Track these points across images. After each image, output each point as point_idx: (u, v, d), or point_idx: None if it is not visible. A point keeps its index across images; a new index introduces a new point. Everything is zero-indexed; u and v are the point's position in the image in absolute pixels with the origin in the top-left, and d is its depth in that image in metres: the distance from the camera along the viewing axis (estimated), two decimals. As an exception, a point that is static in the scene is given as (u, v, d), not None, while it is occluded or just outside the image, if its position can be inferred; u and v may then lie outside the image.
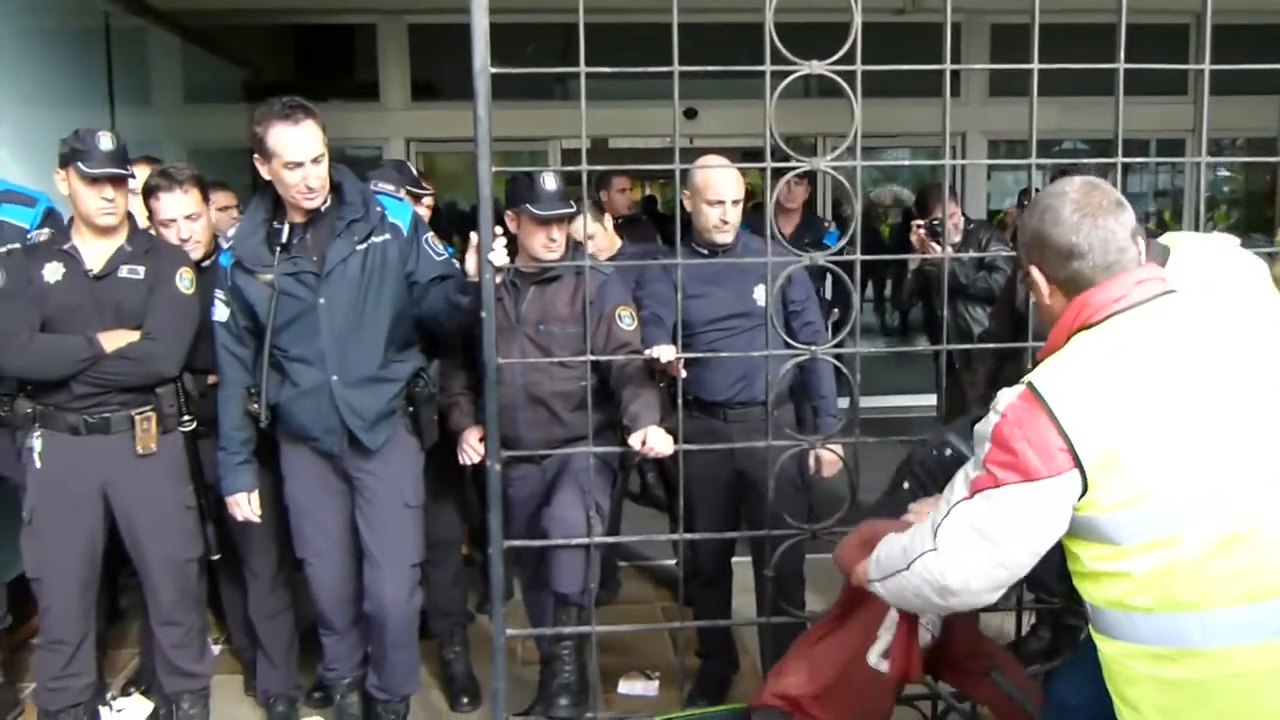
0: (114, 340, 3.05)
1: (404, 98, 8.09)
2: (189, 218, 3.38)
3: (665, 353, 3.07)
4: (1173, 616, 1.78)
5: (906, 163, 9.91)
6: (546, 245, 3.25)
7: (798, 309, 3.50)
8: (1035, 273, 1.92)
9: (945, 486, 2.09)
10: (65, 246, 3.10)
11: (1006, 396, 1.82)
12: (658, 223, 6.68)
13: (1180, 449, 1.75)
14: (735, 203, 3.42)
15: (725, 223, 3.42)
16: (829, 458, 3.44)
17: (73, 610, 3.16)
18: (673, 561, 4.46)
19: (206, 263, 3.34)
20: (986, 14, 7.61)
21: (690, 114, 7.21)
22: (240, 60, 7.64)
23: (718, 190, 3.38)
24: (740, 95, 7.25)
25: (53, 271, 3.06)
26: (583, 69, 2.85)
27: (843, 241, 3.03)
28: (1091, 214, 1.86)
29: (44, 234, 3.25)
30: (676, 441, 3.08)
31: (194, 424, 3.21)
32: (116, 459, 3.11)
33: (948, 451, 2.47)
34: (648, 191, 11.41)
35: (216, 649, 3.91)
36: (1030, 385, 1.80)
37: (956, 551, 1.88)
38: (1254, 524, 1.75)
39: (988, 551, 1.85)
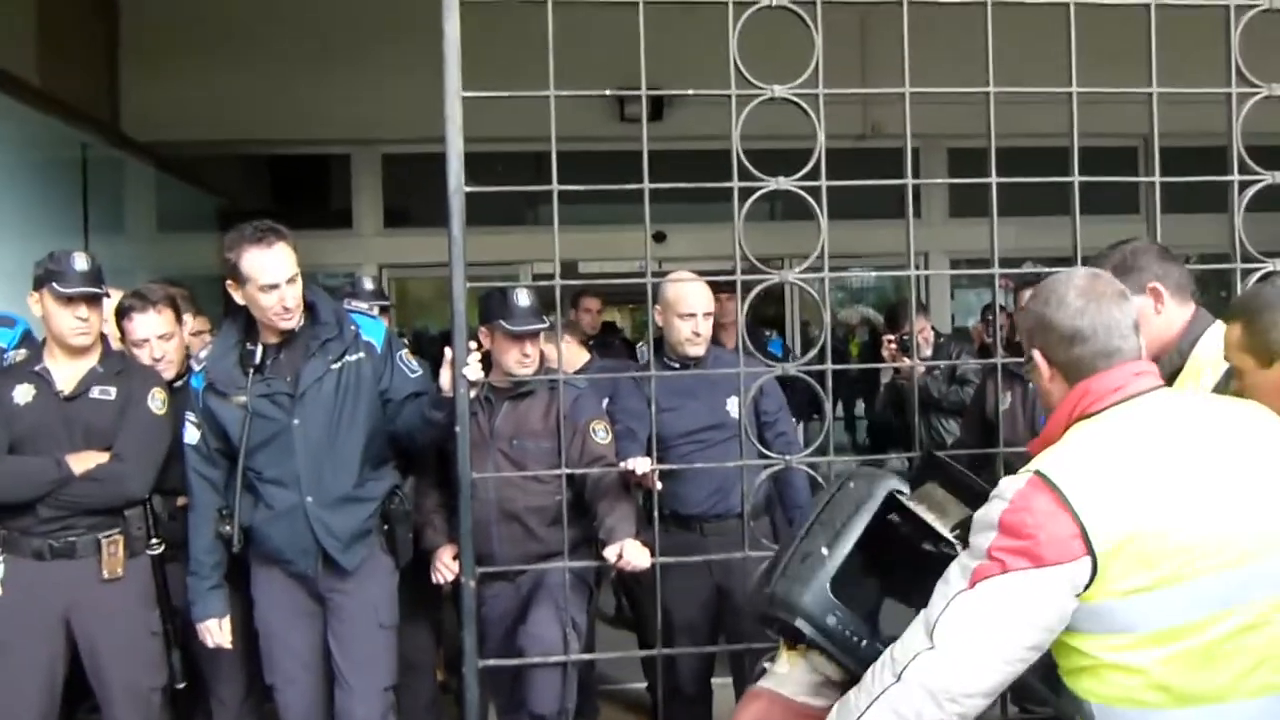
0: (83, 462, 3.03)
1: (377, 224, 8.24)
2: (161, 337, 3.39)
3: (641, 464, 3.07)
4: (1191, 712, 1.72)
5: (872, 273, 10.10)
6: (520, 360, 3.27)
7: (770, 419, 3.53)
8: (1038, 356, 1.91)
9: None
10: (37, 368, 3.10)
11: (1011, 484, 1.77)
12: (626, 344, 6.76)
13: (1194, 535, 1.72)
14: (706, 315, 3.48)
15: (697, 335, 3.47)
16: None
17: (32, 745, 3.05)
18: (644, 685, 4.39)
19: (179, 383, 3.33)
20: (943, 138, 7.87)
21: (659, 237, 7.37)
22: (215, 189, 7.77)
23: (689, 303, 3.45)
24: (707, 219, 7.43)
25: (23, 393, 3.05)
26: (555, 186, 2.92)
27: (813, 352, 3.07)
28: (1096, 300, 1.86)
29: (20, 354, 3.24)
30: (653, 555, 3.06)
31: (162, 547, 3.16)
32: (81, 584, 3.05)
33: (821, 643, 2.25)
34: (613, 317, 11.51)
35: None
36: (1038, 472, 1.75)
37: (960, 647, 1.75)
38: (1265, 612, 1.73)
39: (994, 645, 1.74)
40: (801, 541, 2.31)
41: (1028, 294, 3.43)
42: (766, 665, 2.39)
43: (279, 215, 3.12)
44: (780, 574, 2.28)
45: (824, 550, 2.27)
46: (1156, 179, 3.08)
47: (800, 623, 2.19)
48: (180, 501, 3.20)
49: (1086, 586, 1.71)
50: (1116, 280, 1.95)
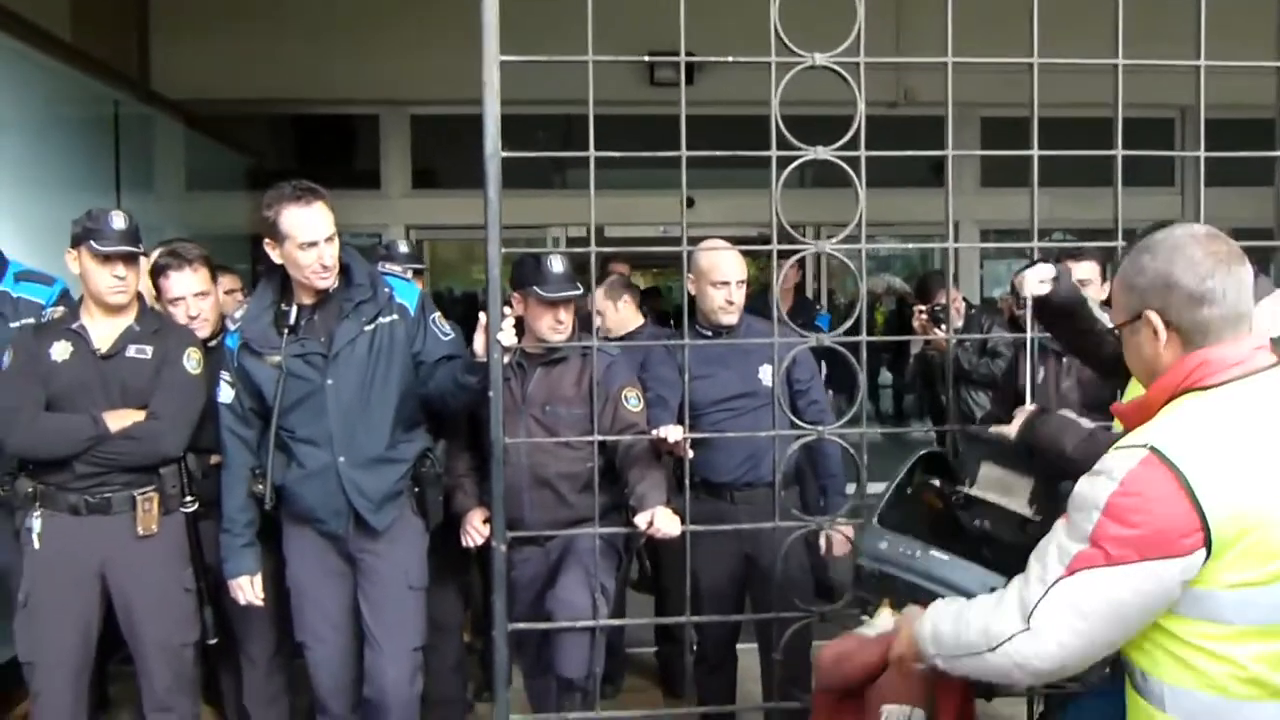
0: (119, 420, 3.05)
1: (404, 186, 8.24)
2: (197, 295, 3.41)
3: (673, 432, 3.07)
4: (1277, 705, 1.62)
5: (909, 246, 9.99)
6: (553, 326, 3.27)
7: (803, 389, 3.52)
8: (1154, 318, 1.72)
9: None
10: (74, 325, 3.12)
11: (1122, 462, 1.63)
12: (659, 317, 6.76)
13: None
14: (740, 283, 3.47)
15: (730, 303, 3.46)
16: (839, 538, 3.43)
17: (65, 696, 3.10)
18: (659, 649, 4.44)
19: (213, 342, 3.35)
20: (977, 107, 7.78)
21: (689, 203, 7.32)
22: (244, 149, 7.77)
23: (723, 272, 3.43)
24: (735, 185, 7.38)
25: (61, 350, 3.07)
26: (591, 152, 2.90)
27: (848, 323, 3.06)
28: (1224, 261, 1.71)
29: (58, 312, 3.27)
30: (683, 523, 3.07)
31: (196, 505, 3.19)
32: (116, 540, 3.08)
33: (884, 569, 2.41)
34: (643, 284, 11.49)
35: (210, 737, 3.83)
36: (1154, 449, 1.61)
37: (1057, 635, 1.67)
38: None
39: (1091, 634, 1.66)
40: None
41: (1079, 266, 3.40)
42: (865, 619, 2.41)
43: (307, 176, 3.11)
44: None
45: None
46: (1201, 154, 3.04)
47: (862, 561, 2.36)
48: (214, 460, 3.23)
49: (1199, 571, 1.60)
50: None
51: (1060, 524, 1.72)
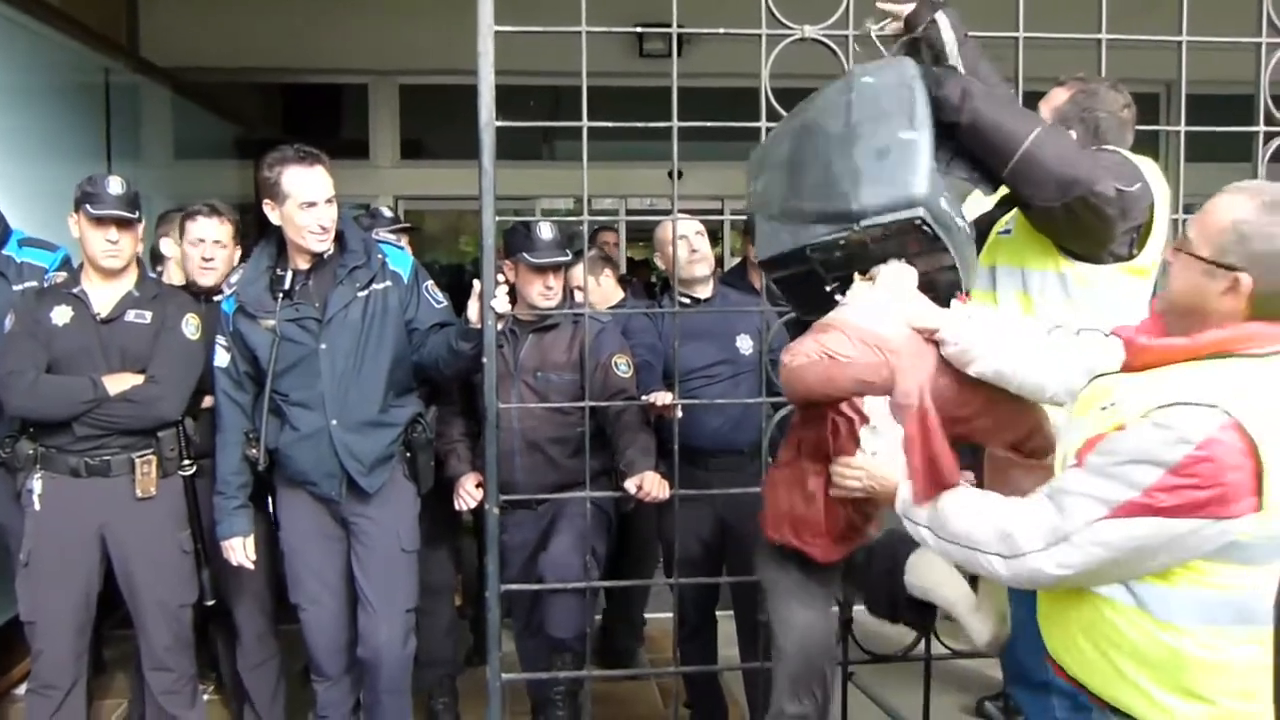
0: (118, 383, 3.09)
1: (393, 156, 8.22)
2: (217, 242, 3.44)
3: (663, 396, 3.13)
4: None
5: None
6: (543, 293, 3.32)
7: (777, 358, 3.58)
8: (1244, 279, 1.66)
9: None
10: (75, 290, 3.16)
11: (1199, 425, 1.59)
12: (646, 288, 6.79)
13: None
14: (699, 233, 3.53)
15: (695, 252, 3.50)
16: None
17: (66, 655, 3.16)
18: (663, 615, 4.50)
19: (215, 298, 3.37)
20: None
21: (678, 175, 7.36)
22: (232, 117, 7.74)
23: (679, 230, 3.41)
24: (722, 157, 7.39)
25: (61, 314, 3.12)
26: (585, 123, 2.95)
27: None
28: None
29: (59, 277, 3.31)
30: (672, 488, 3.13)
31: (194, 468, 3.24)
32: (116, 502, 3.13)
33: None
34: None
35: (206, 697, 3.89)
36: (1233, 417, 1.59)
37: (1079, 563, 1.69)
38: None
39: (1110, 568, 1.69)
40: (851, 146, 2.15)
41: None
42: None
43: (296, 144, 3.15)
44: (862, 180, 2.12)
45: (904, 135, 2.13)
46: (1182, 128, 3.11)
47: (926, 218, 2.07)
48: (206, 402, 3.25)
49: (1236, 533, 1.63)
50: None
51: (1101, 462, 1.69)
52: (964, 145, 2.27)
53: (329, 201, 3.07)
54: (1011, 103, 2.34)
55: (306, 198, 3.03)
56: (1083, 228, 2.37)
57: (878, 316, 2.14)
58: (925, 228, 2.10)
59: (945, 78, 2.28)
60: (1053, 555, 1.72)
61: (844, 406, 2.16)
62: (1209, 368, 1.67)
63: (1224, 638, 1.67)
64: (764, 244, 2.40)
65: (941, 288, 2.24)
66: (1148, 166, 2.54)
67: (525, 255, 3.30)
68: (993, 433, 2.23)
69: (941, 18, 2.48)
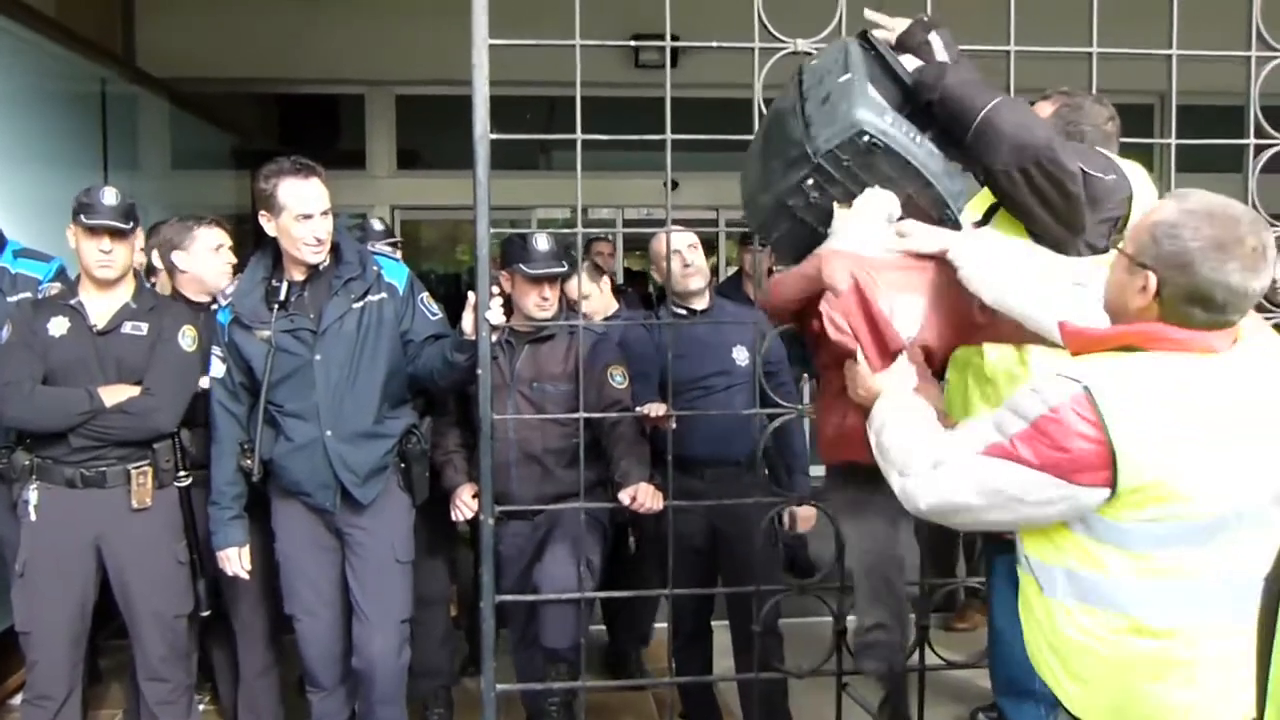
0: (114, 395, 3.10)
1: (389, 166, 8.25)
2: (232, 248, 3.52)
3: (658, 408, 3.15)
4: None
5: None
6: (539, 304, 3.34)
7: (773, 369, 3.58)
8: (1151, 279, 1.72)
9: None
10: (72, 301, 3.17)
11: (1058, 390, 1.71)
12: (643, 299, 6.81)
13: (1215, 507, 1.70)
14: (691, 246, 3.54)
15: (688, 265, 3.51)
16: (805, 514, 3.53)
17: (61, 665, 3.16)
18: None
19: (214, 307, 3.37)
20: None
21: (673, 185, 7.38)
22: (229, 127, 7.75)
23: (671, 243, 3.43)
24: (717, 168, 7.42)
25: (58, 325, 3.13)
26: (579, 135, 2.97)
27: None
28: (1249, 275, 1.69)
29: (55, 288, 3.33)
30: (666, 499, 3.14)
31: (190, 479, 3.24)
32: (111, 513, 3.14)
33: (888, 141, 2.27)
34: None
35: (202, 707, 3.88)
36: (1088, 391, 1.68)
37: (947, 496, 1.84)
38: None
39: (975, 511, 1.82)
40: (803, 103, 2.33)
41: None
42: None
43: (292, 155, 3.17)
44: (812, 125, 2.28)
45: (841, 80, 2.30)
46: (1173, 140, 3.13)
47: (868, 130, 2.20)
48: (205, 382, 3.25)
49: (1103, 505, 1.72)
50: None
51: (995, 412, 1.86)
52: (942, 124, 2.37)
53: (325, 214, 3.08)
54: (984, 82, 2.40)
55: (302, 210, 3.05)
56: (1046, 203, 2.39)
57: (861, 242, 2.26)
58: (877, 143, 2.23)
59: (925, 61, 2.42)
60: (928, 481, 1.87)
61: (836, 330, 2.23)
62: (1108, 356, 1.77)
63: (1096, 620, 1.77)
64: (755, 219, 2.57)
65: (929, 208, 2.35)
66: (1132, 169, 2.58)
67: (521, 266, 3.32)
68: (1018, 331, 2.29)
69: (935, 39, 2.51)
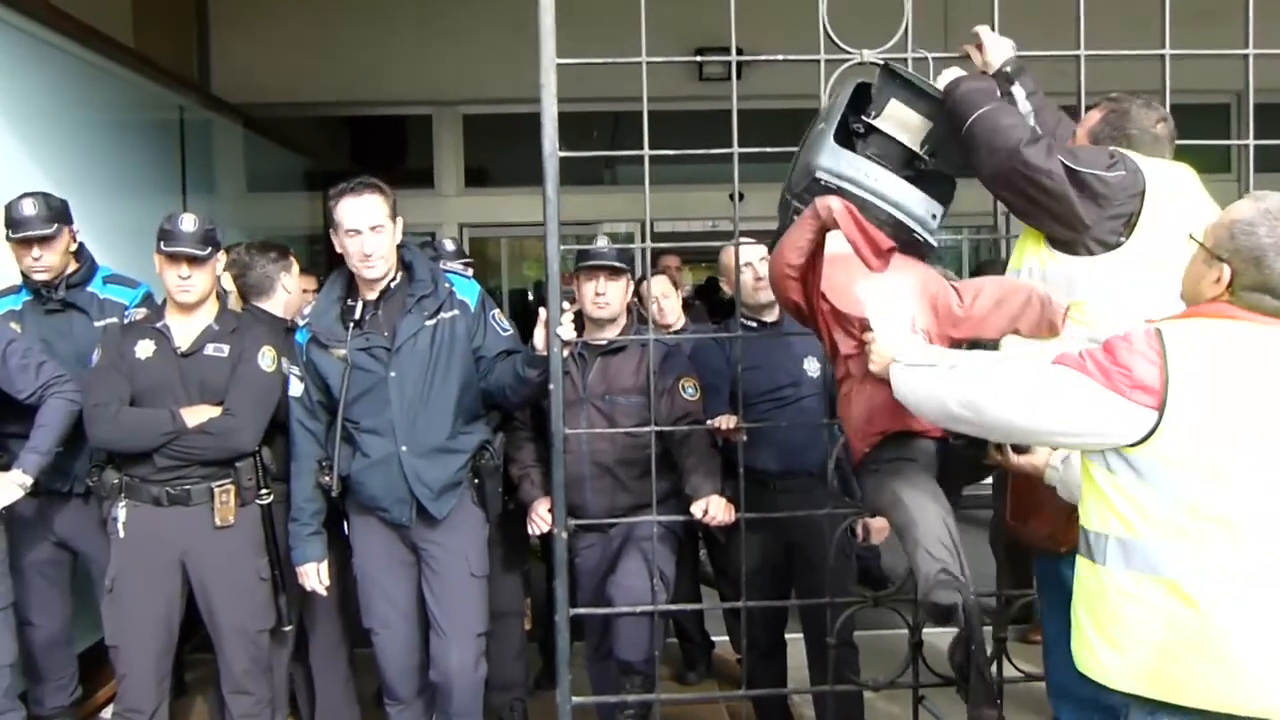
0: (196, 415, 3.18)
1: (458, 184, 8.35)
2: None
3: (728, 420, 3.15)
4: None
5: (960, 237, 9.85)
6: (595, 301, 3.37)
7: None
8: (1226, 270, 1.91)
9: None
10: (158, 324, 3.27)
11: (1134, 328, 1.91)
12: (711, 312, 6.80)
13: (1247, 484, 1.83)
14: (762, 259, 3.52)
15: (760, 279, 3.50)
16: (878, 525, 3.49)
17: (149, 678, 3.24)
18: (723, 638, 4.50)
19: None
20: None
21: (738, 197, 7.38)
22: (301, 150, 7.92)
23: (741, 258, 3.45)
24: (782, 180, 7.39)
25: (144, 348, 3.22)
26: (646, 151, 2.99)
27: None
28: None
29: (141, 313, 3.43)
30: (737, 511, 3.14)
31: (271, 497, 3.31)
32: (196, 530, 3.22)
33: (842, 184, 2.54)
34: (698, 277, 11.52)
35: (285, 720, 3.96)
36: (1158, 330, 1.89)
37: (976, 376, 2.00)
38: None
39: (1029, 414, 1.96)
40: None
41: None
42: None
43: (361, 175, 3.24)
44: (793, 168, 2.66)
45: (819, 127, 2.64)
46: (1251, 141, 3.06)
47: (820, 176, 2.53)
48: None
49: (1139, 443, 1.86)
50: None
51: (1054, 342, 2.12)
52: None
53: (374, 229, 3.13)
54: (986, 93, 2.57)
55: (349, 225, 3.12)
56: (1034, 202, 2.50)
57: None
58: (829, 186, 2.54)
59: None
60: (990, 382, 2.00)
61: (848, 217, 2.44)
62: (1181, 319, 1.96)
63: (1140, 584, 1.88)
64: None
65: (897, 231, 2.57)
66: (1165, 167, 2.58)
67: (579, 264, 3.38)
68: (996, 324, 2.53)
69: (1017, 90, 2.70)
